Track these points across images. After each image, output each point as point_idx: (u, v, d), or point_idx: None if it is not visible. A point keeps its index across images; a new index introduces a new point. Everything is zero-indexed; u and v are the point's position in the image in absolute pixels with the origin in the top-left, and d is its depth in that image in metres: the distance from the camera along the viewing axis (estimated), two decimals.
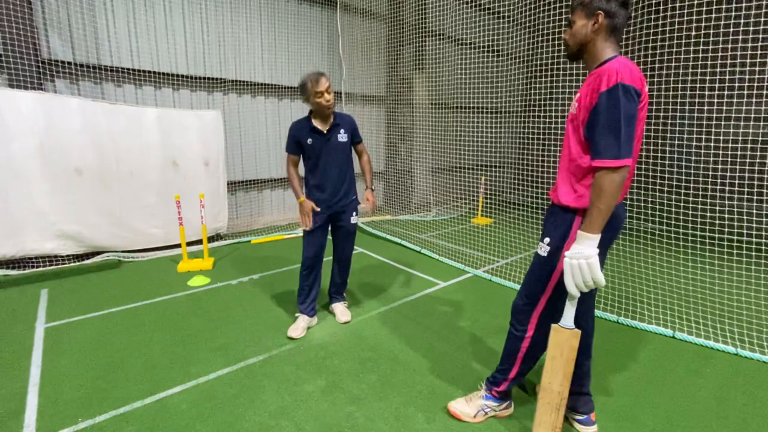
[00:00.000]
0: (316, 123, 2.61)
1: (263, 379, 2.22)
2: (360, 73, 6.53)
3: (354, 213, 2.80)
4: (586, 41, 1.53)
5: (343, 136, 2.68)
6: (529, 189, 5.10)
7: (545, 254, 1.66)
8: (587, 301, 1.77)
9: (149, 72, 4.73)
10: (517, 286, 3.61)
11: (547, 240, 1.66)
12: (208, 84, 5.24)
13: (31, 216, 3.65)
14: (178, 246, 4.40)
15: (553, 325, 1.59)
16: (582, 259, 1.41)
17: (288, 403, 2.03)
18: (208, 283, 3.62)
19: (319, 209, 2.65)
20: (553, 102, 5.18)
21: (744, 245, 3.18)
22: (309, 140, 2.61)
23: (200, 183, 4.63)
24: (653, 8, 3.49)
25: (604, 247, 1.59)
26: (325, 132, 2.61)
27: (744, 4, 2.89)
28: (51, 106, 3.65)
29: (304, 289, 2.78)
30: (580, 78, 4.89)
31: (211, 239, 4.91)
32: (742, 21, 2.95)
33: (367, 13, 6.41)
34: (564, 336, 1.56)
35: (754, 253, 3.14)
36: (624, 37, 3.93)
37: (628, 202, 4.07)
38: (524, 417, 1.96)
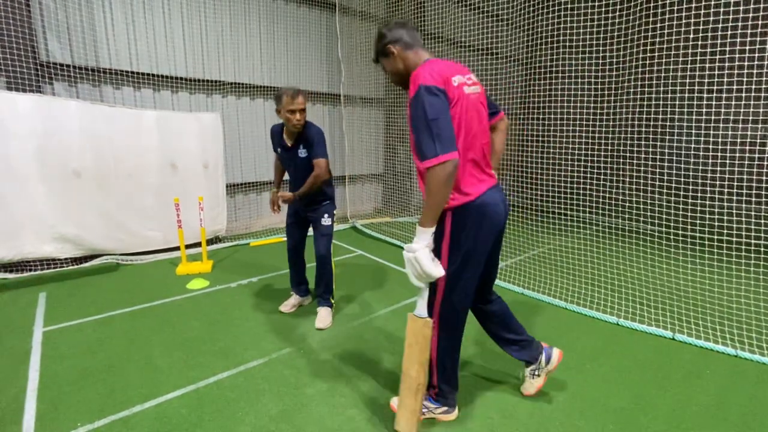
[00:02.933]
0: (285, 135, 2.75)
1: (263, 382, 2.21)
2: (359, 75, 6.54)
3: (326, 215, 2.88)
4: (401, 70, 1.72)
5: (302, 152, 2.73)
6: (527, 191, 5.11)
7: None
8: (471, 285, 1.77)
9: (148, 75, 4.72)
10: (516, 288, 3.62)
11: (431, 245, 1.68)
12: (207, 86, 5.24)
13: (29, 219, 3.63)
14: (177, 249, 4.39)
15: (409, 314, 1.71)
16: (408, 252, 1.54)
17: (289, 406, 2.02)
18: (207, 286, 3.61)
19: (279, 206, 2.95)
20: (551, 104, 5.19)
21: (743, 246, 3.19)
22: (278, 149, 2.85)
23: (199, 185, 4.62)
24: (650, 10, 3.51)
25: (491, 235, 1.69)
26: (289, 146, 2.75)
27: (742, 8, 2.91)
28: (49, 108, 3.64)
29: (290, 272, 3.16)
30: (580, 80, 4.91)
31: (210, 242, 4.89)
32: (739, 24, 2.97)
33: (366, 15, 6.42)
34: (417, 325, 1.69)
35: (753, 254, 3.14)
36: (618, 38, 3.95)
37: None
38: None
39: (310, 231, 3.00)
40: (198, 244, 4.53)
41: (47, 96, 3.81)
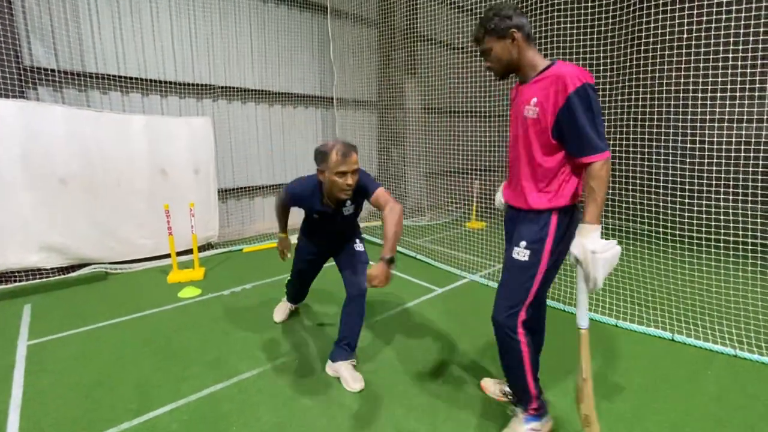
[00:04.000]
0: (326, 199, 2.19)
1: (257, 394, 2.14)
2: (351, 78, 6.50)
3: (357, 240, 2.43)
4: (513, 59, 1.62)
5: (348, 209, 2.25)
6: None
7: (526, 258, 1.63)
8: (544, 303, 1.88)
9: (136, 79, 4.63)
10: None
11: (523, 243, 1.64)
12: (198, 90, 5.16)
13: (14, 228, 3.52)
14: (168, 256, 4.29)
15: (582, 332, 1.60)
16: (612, 250, 1.47)
17: (284, 419, 1.95)
18: (199, 294, 3.52)
19: (288, 256, 2.63)
20: None
21: (740, 246, 3.18)
22: (315, 216, 2.28)
23: (190, 191, 4.53)
24: (644, 11, 3.51)
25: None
26: (332, 208, 2.21)
27: (734, 7, 2.92)
28: (33, 114, 3.54)
29: (288, 291, 2.95)
30: None
31: (202, 248, 4.80)
32: (732, 24, 2.98)
33: (358, 18, 6.39)
34: (588, 337, 1.60)
35: (750, 254, 3.14)
36: (610, 39, 3.97)
37: (618, 202, 4.08)
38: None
39: None
40: (189, 251, 4.43)
41: (31, 101, 3.71)
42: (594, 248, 1.46)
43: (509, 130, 1.82)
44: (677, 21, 3.28)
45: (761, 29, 3.05)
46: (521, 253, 1.65)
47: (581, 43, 4.25)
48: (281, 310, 3.03)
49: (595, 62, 4.14)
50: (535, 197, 1.63)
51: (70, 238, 3.80)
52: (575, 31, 4.28)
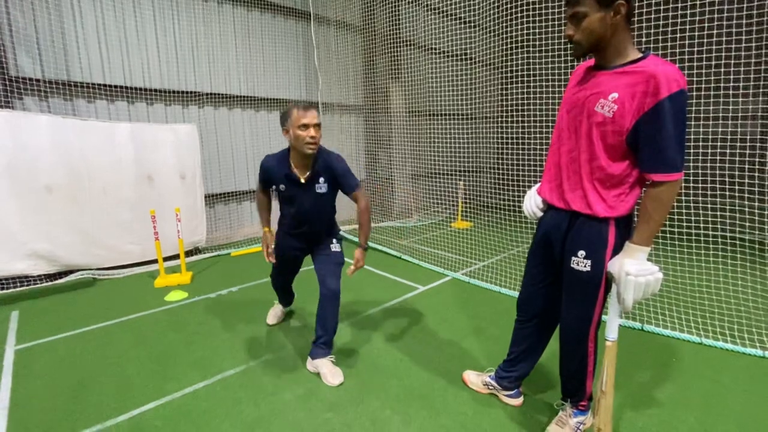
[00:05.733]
0: (295, 167, 2.23)
1: (240, 390, 2.21)
2: (336, 83, 6.61)
3: (335, 240, 2.47)
4: (605, 36, 1.36)
5: (322, 187, 2.24)
6: (506, 192, 5.22)
7: (588, 269, 1.53)
8: None
9: (121, 87, 4.69)
10: (495, 288, 3.68)
11: (582, 253, 1.53)
12: (183, 98, 5.22)
13: (0, 236, 3.56)
14: (156, 261, 4.34)
15: (608, 344, 1.57)
16: (650, 275, 1.38)
17: (265, 413, 2.03)
18: (186, 297, 3.58)
19: (273, 254, 2.52)
20: (527, 107, 5.34)
21: (747, 243, 3.20)
22: (282, 186, 2.28)
23: (176, 197, 4.59)
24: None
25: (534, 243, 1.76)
26: (303, 181, 2.24)
27: (746, 5, 2.98)
28: (19, 124, 3.59)
29: (275, 291, 2.97)
30: (557, 83, 5.05)
31: (189, 253, 4.85)
32: (714, 24, 3.07)
33: (341, 24, 6.51)
34: (615, 349, 1.57)
35: (751, 252, 3.18)
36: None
37: None
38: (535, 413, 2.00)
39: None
40: (176, 256, 4.49)
41: (17, 111, 3.75)
42: (629, 270, 1.38)
43: (557, 116, 1.64)
44: (661, 21, 3.28)
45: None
46: (581, 263, 1.55)
47: (562, 47, 4.39)
48: (273, 313, 3.08)
49: (576, 64, 4.28)
50: (598, 202, 1.48)
51: (57, 246, 3.84)
52: (555, 34, 4.42)
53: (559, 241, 1.65)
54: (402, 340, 2.76)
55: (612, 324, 1.57)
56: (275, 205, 2.54)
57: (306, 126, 2.07)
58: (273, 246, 2.53)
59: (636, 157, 1.41)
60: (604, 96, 1.39)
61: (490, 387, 2.14)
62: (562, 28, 4.31)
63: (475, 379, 2.23)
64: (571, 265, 1.58)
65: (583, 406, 1.85)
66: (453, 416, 2.00)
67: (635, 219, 1.50)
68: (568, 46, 1.47)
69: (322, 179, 2.24)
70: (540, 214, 1.78)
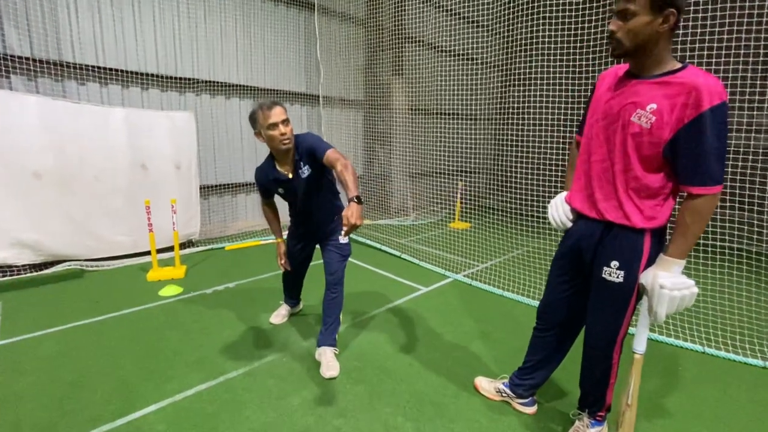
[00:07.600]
0: (279, 167, 2.27)
1: (244, 393, 2.12)
2: (338, 76, 6.48)
3: (342, 232, 2.49)
4: (648, 42, 1.32)
5: (305, 171, 2.23)
6: (506, 194, 5.21)
7: (621, 280, 1.50)
8: None
9: (115, 70, 4.49)
10: (498, 291, 3.66)
11: (615, 264, 1.51)
12: (180, 84, 5.04)
13: None
14: (147, 254, 4.18)
15: (636, 357, 1.56)
16: (685, 290, 1.36)
17: (272, 418, 1.95)
18: (181, 292, 3.45)
19: (288, 263, 2.61)
20: (529, 110, 5.32)
21: (753, 255, 3.25)
22: (279, 190, 2.34)
23: (171, 187, 4.43)
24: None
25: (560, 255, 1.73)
26: (290, 177, 2.25)
27: (709, 14, 3.02)
28: (5, 103, 3.39)
29: (284, 285, 2.91)
30: (557, 87, 5.05)
31: (182, 246, 4.69)
32: (708, 30, 3.10)
33: (345, 16, 6.38)
34: (641, 362, 1.57)
35: (757, 263, 3.21)
36: (594, 44, 4.09)
37: None
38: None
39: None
40: (169, 249, 4.33)
41: (3, 90, 3.54)
42: (664, 283, 1.37)
43: (586, 121, 1.62)
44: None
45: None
46: (614, 274, 1.51)
47: (563, 49, 4.37)
48: (278, 313, 2.99)
49: (577, 68, 4.27)
50: (635, 212, 1.46)
51: (43, 234, 3.65)
52: (558, 37, 4.40)
53: (591, 251, 1.60)
54: (409, 343, 2.70)
55: (641, 336, 1.55)
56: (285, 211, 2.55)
57: (275, 125, 2.08)
58: (285, 255, 2.61)
59: (672, 168, 1.39)
60: (641, 106, 1.36)
61: (504, 394, 2.10)
62: (568, 31, 4.33)
63: (487, 385, 2.19)
64: (603, 276, 1.55)
65: (600, 416, 1.83)
66: (467, 423, 1.95)
67: (668, 231, 1.48)
68: (606, 41, 1.46)
69: (302, 164, 2.23)
70: (570, 224, 1.71)
